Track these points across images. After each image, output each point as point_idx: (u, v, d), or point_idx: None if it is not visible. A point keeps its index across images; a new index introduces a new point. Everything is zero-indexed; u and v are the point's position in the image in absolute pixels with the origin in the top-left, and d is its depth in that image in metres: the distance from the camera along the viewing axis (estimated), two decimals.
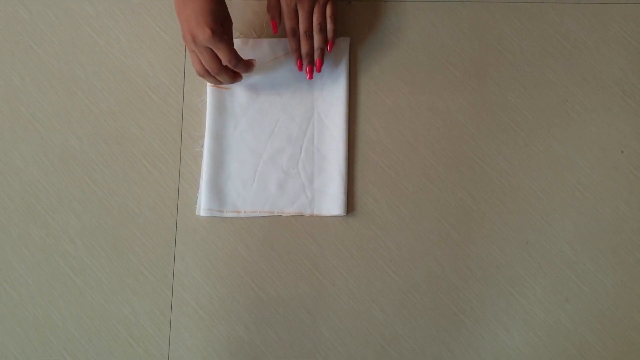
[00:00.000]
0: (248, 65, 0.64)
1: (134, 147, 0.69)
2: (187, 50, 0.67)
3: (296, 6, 0.66)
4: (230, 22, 0.62)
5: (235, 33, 0.71)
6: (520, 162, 0.69)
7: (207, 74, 0.63)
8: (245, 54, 0.70)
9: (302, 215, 0.68)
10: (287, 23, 0.67)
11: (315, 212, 0.68)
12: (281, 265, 0.67)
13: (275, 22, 0.68)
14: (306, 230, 0.68)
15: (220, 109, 0.69)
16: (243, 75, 0.66)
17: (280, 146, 0.69)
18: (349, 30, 0.71)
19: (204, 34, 0.58)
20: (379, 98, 0.70)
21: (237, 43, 0.70)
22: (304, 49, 0.67)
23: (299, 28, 0.67)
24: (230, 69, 0.63)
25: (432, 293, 0.67)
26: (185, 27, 0.59)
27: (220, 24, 0.59)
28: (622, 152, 0.69)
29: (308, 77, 0.68)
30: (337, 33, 0.68)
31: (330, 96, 0.69)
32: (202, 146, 0.69)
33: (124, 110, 0.70)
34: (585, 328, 0.66)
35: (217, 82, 0.65)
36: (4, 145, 0.70)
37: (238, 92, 0.70)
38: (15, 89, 0.71)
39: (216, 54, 0.61)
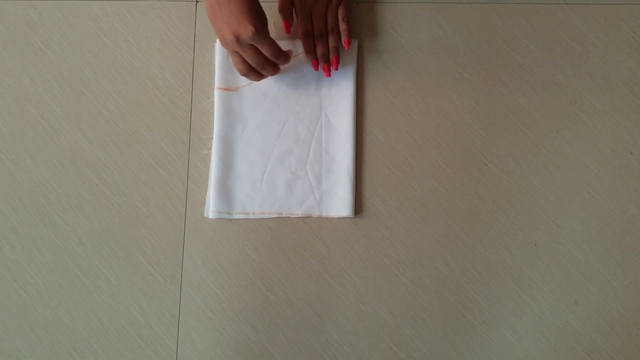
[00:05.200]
0: (288, 56, 0.64)
1: (142, 149, 0.70)
2: (228, 52, 0.64)
3: (310, 9, 0.67)
4: (265, 16, 0.61)
5: None
6: (528, 164, 0.68)
7: (251, 71, 0.64)
8: None
9: (310, 217, 0.68)
10: (301, 26, 0.68)
11: (324, 214, 0.68)
12: (289, 267, 0.68)
13: (288, 23, 0.68)
14: (314, 232, 0.68)
15: (228, 111, 0.69)
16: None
17: (288, 147, 0.69)
18: (356, 31, 0.71)
19: (247, 32, 0.58)
20: (387, 99, 0.70)
21: None
22: (319, 50, 0.68)
23: (312, 30, 0.68)
24: (272, 62, 0.64)
25: (440, 294, 0.67)
26: (226, 29, 0.59)
27: (260, 19, 0.59)
28: (632, 153, 0.68)
29: (326, 74, 0.69)
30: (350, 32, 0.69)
31: (338, 97, 0.70)
32: (210, 149, 0.69)
33: (133, 112, 0.70)
34: (594, 330, 0.66)
35: (259, 78, 0.66)
36: (13, 146, 0.70)
37: (245, 94, 0.70)
38: (25, 90, 0.71)
39: (258, 49, 0.61)
